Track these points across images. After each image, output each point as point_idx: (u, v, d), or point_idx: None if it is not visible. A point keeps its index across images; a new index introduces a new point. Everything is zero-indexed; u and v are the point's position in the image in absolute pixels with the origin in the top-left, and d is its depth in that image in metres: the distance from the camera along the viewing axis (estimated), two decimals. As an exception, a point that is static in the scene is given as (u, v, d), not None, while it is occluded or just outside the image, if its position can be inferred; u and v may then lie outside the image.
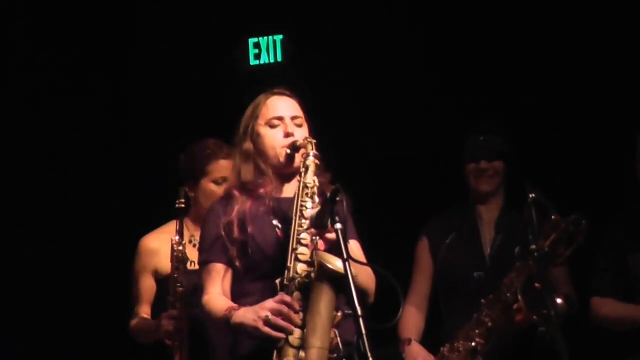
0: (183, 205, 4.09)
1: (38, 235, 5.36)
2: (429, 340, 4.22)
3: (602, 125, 4.79)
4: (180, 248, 4.06)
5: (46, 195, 5.40)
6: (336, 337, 3.23)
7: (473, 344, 3.97)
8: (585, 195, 4.58)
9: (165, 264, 4.19)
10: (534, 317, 3.83)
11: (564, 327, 3.51)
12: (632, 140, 4.12)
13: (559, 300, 3.85)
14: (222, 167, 4.21)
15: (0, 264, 5.26)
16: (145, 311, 4.27)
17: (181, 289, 4.04)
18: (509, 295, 3.94)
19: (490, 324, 3.97)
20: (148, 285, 4.28)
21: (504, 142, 4.24)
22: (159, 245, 4.25)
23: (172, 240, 4.07)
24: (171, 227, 4.26)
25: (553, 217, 3.85)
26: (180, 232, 4.07)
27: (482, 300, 4.01)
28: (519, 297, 3.87)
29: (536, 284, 3.82)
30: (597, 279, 4.13)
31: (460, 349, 4.00)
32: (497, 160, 4.23)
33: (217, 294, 3.44)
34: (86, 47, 5.46)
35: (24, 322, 5.28)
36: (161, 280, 4.25)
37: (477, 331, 3.98)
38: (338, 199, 3.17)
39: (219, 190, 4.14)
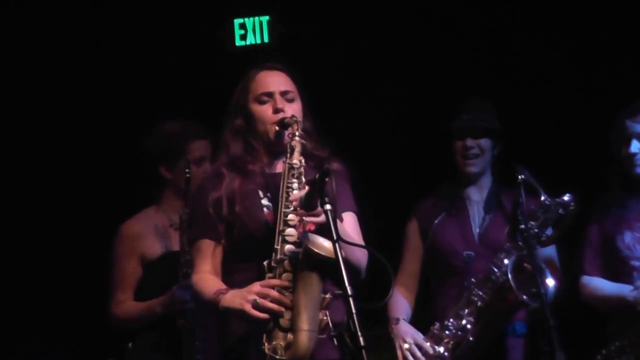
0: (188, 175, 4.04)
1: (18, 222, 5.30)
2: (420, 320, 4.18)
3: (591, 105, 4.78)
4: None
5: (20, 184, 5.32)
6: (326, 316, 3.20)
7: (463, 322, 3.95)
8: (573, 174, 4.55)
9: (151, 247, 4.17)
10: (524, 297, 3.82)
11: (555, 307, 3.55)
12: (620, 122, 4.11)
13: (552, 281, 3.83)
14: (201, 146, 4.19)
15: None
16: (128, 297, 4.18)
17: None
18: (498, 274, 3.93)
19: (480, 303, 3.95)
20: (132, 270, 4.19)
21: (490, 119, 4.18)
22: (143, 230, 4.20)
23: (180, 211, 4.01)
24: (149, 213, 4.25)
25: (542, 198, 3.90)
26: (187, 203, 3.99)
27: (472, 280, 3.99)
28: (509, 277, 3.85)
29: (525, 264, 3.85)
30: (586, 258, 4.12)
31: (451, 328, 3.98)
32: (482, 137, 4.16)
33: (207, 272, 3.39)
34: (71, 29, 5.39)
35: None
36: (148, 264, 4.19)
37: (467, 310, 3.96)
38: (327, 179, 3.12)
39: (197, 170, 4.10)
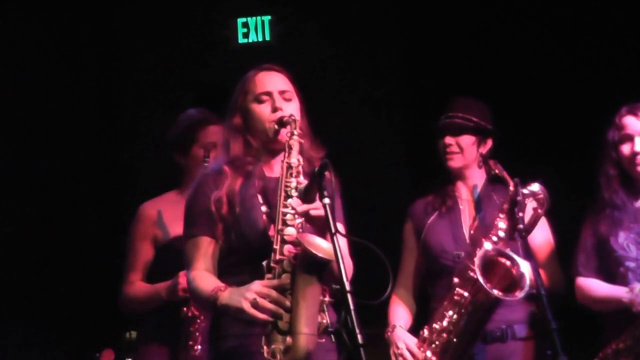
0: (206, 164, 3.95)
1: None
2: (419, 322, 4.02)
3: (588, 104, 4.70)
4: None
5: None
6: (325, 316, 3.03)
7: (445, 323, 3.75)
8: (569, 174, 4.47)
9: (165, 230, 4.03)
10: (494, 293, 3.64)
11: (555, 309, 3.35)
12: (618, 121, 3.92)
13: (525, 264, 3.64)
14: (212, 132, 4.04)
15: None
16: (139, 278, 4.04)
17: None
18: (472, 273, 3.72)
19: (462, 302, 3.74)
20: (145, 252, 4.05)
21: (472, 118, 3.99)
22: (159, 212, 4.06)
23: None
24: (169, 196, 4.12)
25: (511, 189, 3.76)
26: None
27: (455, 280, 3.80)
28: (478, 275, 3.65)
29: (498, 258, 3.69)
30: (580, 260, 3.92)
31: (437, 330, 3.78)
32: (460, 135, 3.99)
33: (204, 269, 3.19)
34: (79, 26, 5.31)
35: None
36: (161, 247, 4.03)
37: (450, 311, 3.76)
38: (326, 173, 2.95)
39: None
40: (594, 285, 3.86)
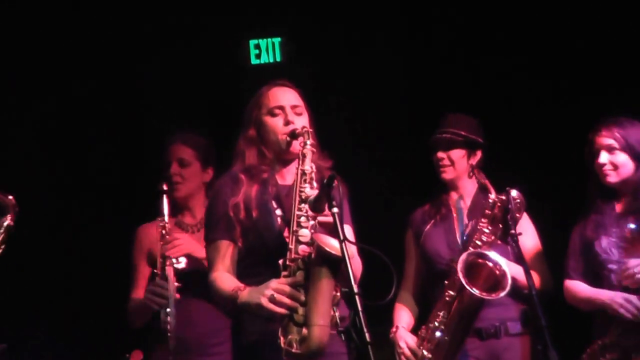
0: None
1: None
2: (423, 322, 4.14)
3: (572, 118, 4.77)
4: (163, 224, 4.00)
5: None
6: (334, 313, 3.17)
7: (436, 322, 3.93)
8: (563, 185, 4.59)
9: (156, 247, 4.09)
10: (477, 293, 3.81)
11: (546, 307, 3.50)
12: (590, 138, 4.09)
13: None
14: (170, 151, 4.19)
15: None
16: (140, 295, 4.12)
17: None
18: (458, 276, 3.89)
19: (451, 302, 3.92)
20: (143, 270, 4.17)
21: (462, 133, 4.15)
22: (154, 231, 4.12)
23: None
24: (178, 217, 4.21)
25: (492, 196, 3.97)
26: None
27: (445, 282, 3.97)
28: (460, 276, 3.83)
29: (479, 260, 3.86)
30: (569, 264, 4.09)
31: (432, 329, 3.94)
32: (451, 149, 4.16)
33: (224, 271, 3.33)
34: (99, 53, 5.33)
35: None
36: (154, 262, 4.11)
37: (443, 312, 3.93)
38: (334, 184, 3.10)
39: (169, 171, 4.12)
40: (578, 288, 4.03)
